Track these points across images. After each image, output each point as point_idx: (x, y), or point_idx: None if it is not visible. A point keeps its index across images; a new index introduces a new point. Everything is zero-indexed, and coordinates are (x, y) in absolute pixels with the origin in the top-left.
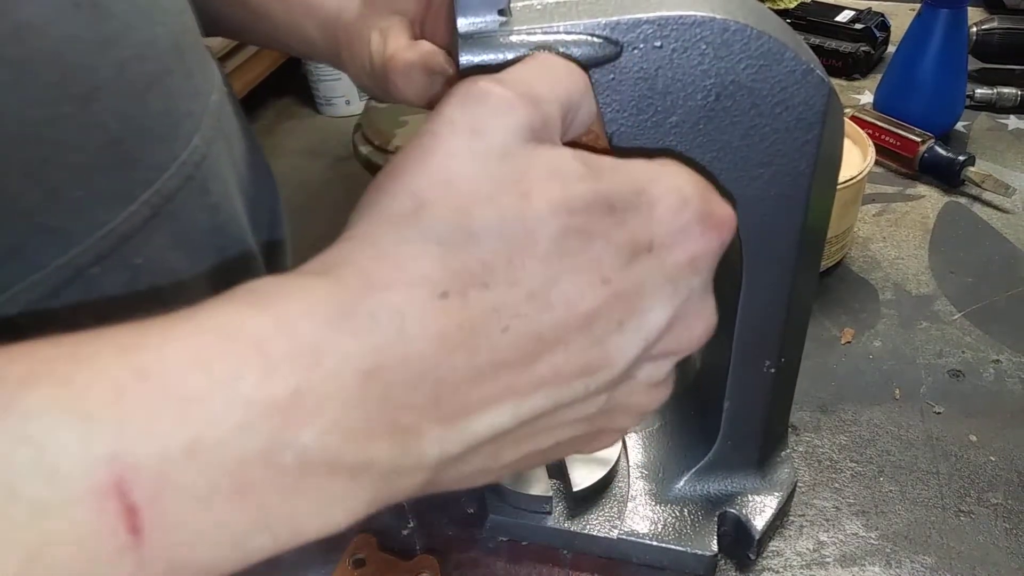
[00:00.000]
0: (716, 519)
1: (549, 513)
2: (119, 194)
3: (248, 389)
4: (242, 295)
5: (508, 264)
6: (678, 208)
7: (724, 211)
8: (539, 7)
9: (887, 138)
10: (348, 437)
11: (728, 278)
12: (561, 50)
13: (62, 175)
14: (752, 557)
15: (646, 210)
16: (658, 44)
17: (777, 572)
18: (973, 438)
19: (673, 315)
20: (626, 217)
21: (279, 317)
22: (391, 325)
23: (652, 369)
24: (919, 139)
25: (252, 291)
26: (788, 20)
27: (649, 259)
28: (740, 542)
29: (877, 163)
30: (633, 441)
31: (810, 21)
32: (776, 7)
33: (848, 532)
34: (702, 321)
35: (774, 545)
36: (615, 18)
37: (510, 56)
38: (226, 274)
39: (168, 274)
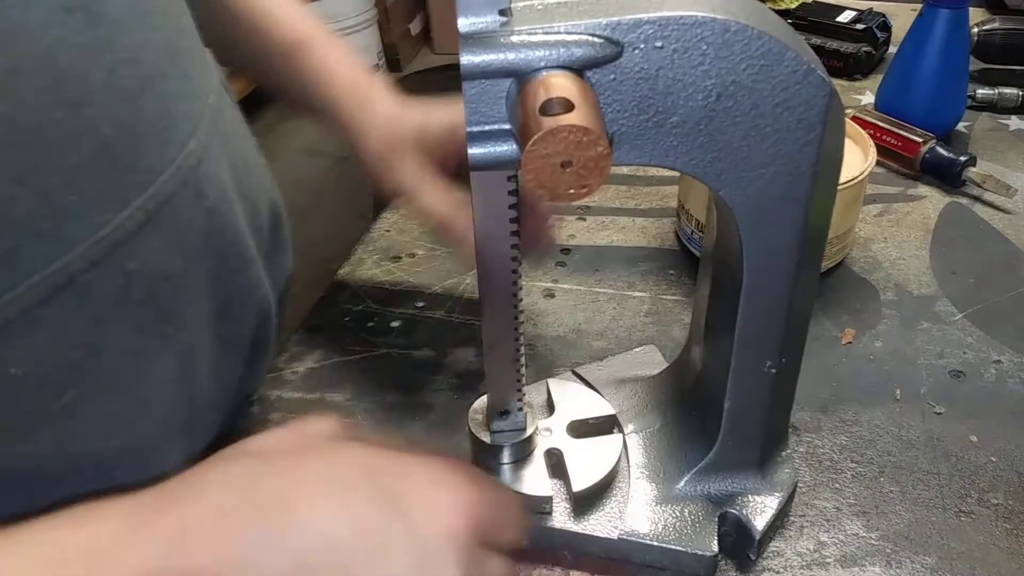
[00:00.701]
0: (717, 519)
1: (550, 513)
2: (113, 199)
3: None
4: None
5: None
6: None
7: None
8: (540, 7)
9: (888, 138)
10: None
11: (728, 278)
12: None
13: (54, 180)
14: (752, 557)
15: None
16: (659, 44)
17: (777, 572)
18: (974, 439)
19: None
20: None
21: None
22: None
23: None
24: (920, 139)
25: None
26: (789, 20)
27: None
28: (740, 542)
29: (878, 163)
30: (634, 441)
31: (811, 21)
32: (777, 7)
33: (848, 532)
34: None
35: (774, 545)
36: (616, 18)
37: (510, 56)
38: (223, 278)
39: (163, 279)
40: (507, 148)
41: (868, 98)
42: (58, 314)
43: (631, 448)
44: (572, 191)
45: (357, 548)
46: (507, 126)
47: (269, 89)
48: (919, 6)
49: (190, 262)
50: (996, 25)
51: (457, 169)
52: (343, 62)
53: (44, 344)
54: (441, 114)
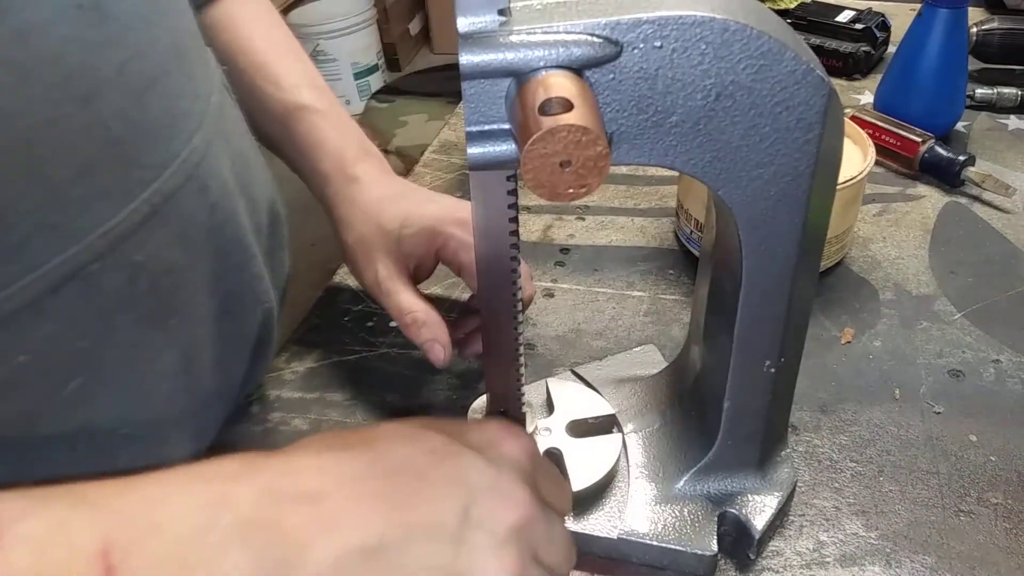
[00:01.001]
0: (716, 519)
1: None
2: (119, 192)
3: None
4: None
5: None
6: None
7: None
8: (539, 7)
9: (887, 138)
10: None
11: (728, 278)
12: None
13: (63, 173)
14: (752, 557)
15: None
16: (658, 44)
17: (777, 572)
18: (973, 438)
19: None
20: None
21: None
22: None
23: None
24: (919, 139)
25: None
26: (788, 20)
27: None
28: (740, 542)
29: (877, 163)
30: (633, 441)
31: (810, 21)
32: (776, 7)
33: (848, 532)
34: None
35: (774, 545)
36: (615, 18)
37: (509, 56)
38: (225, 272)
39: (168, 271)
40: (506, 148)
41: (867, 98)
42: (66, 304)
43: (630, 448)
44: (571, 191)
45: (434, 465)
46: (506, 126)
47: (265, 146)
48: (918, 6)
49: (193, 256)
50: (995, 25)
51: (431, 272)
52: (334, 138)
53: (52, 333)
54: (422, 213)
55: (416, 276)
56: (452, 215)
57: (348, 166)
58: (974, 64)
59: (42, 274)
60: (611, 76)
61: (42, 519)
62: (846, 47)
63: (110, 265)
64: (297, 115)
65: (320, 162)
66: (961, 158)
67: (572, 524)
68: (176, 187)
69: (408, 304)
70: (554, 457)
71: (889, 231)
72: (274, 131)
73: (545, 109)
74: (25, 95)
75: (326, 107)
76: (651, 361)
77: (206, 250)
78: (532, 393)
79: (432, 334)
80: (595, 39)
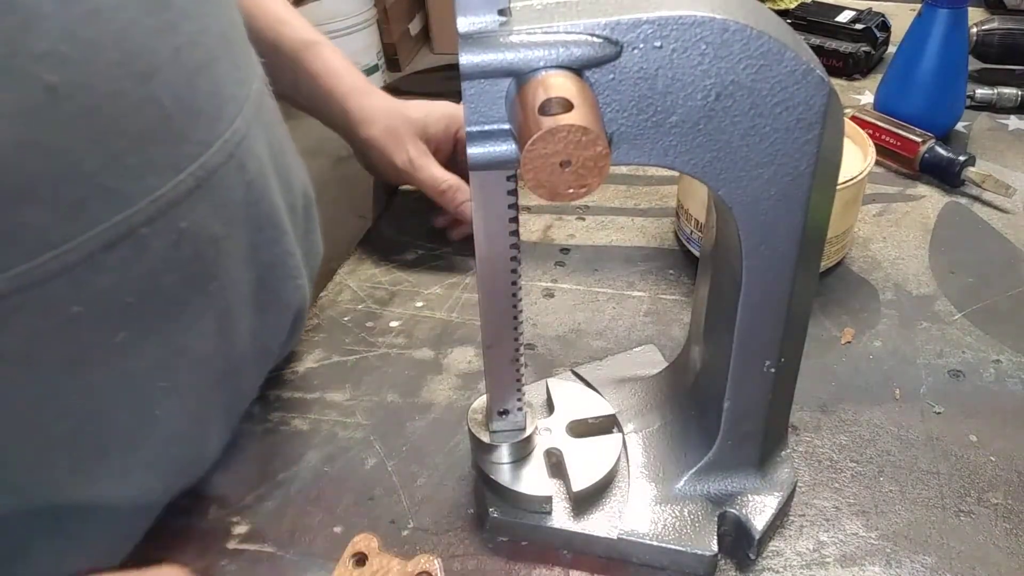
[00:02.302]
0: (716, 519)
1: (549, 513)
2: (169, 164)
3: None
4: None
5: None
6: None
7: None
8: (539, 7)
9: (887, 138)
10: None
11: (728, 278)
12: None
13: (121, 143)
14: (752, 557)
15: None
16: (658, 44)
17: (777, 572)
18: (973, 438)
19: None
20: None
21: None
22: None
23: None
24: (919, 139)
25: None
26: (788, 20)
27: None
28: (740, 542)
29: (877, 163)
30: (633, 441)
31: (810, 21)
32: (776, 7)
33: (848, 532)
34: None
35: (774, 545)
36: (615, 18)
37: (509, 56)
38: (260, 245)
39: (209, 240)
40: (506, 148)
41: (867, 98)
42: (117, 261)
43: (630, 448)
44: (571, 191)
45: None
46: (506, 126)
47: (275, 87)
48: (918, 6)
49: (231, 227)
50: (995, 25)
51: (451, 159)
52: (347, 65)
53: (104, 287)
54: (441, 109)
55: (436, 160)
56: None
57: (364, 84)
58: (974, 64)
59: (98, 232)
60: (611, 76)
61: None
62: (846, 47)
63: (158, 230)
64: (313, 48)
65: (339, 85)
66: (961, 158)
67: (572, 524)
68: (218, 164)
69: (442, 175)
70: (554, 457)
71: (889, 231)
72: (288, 67)
73: (545, 109)
74: (92, 69)
75: (331, 44)
76: (651, 361)
77: (243, 223)
78: (532, 393)
79: (466, 196)
80: (595, 39)
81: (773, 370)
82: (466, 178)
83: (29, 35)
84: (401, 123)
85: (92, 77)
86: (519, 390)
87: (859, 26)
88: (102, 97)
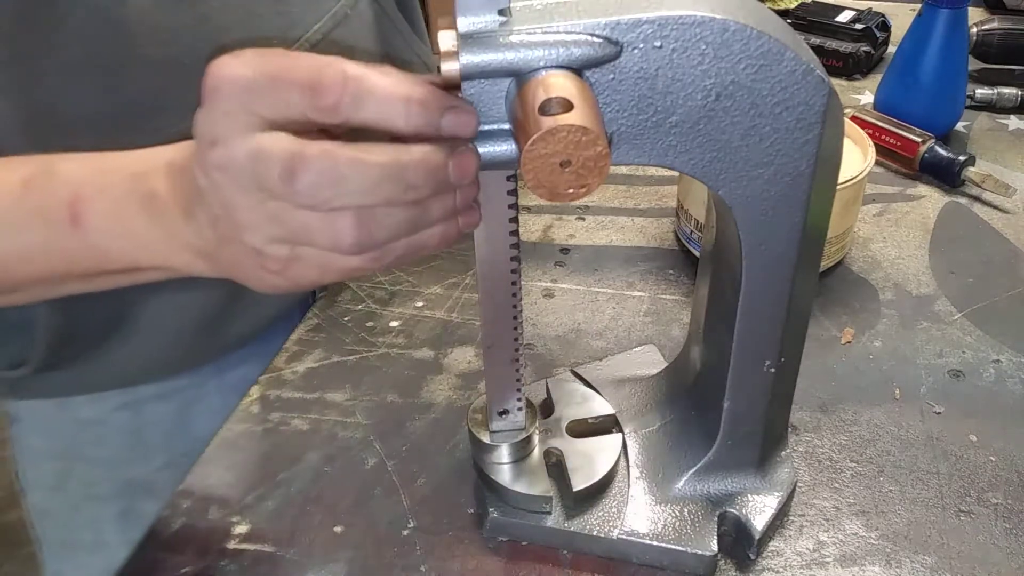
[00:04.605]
0: (716, 519)
1: (549, 513)
2: (319, 7)
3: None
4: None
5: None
6: None
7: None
8: (539, 7)
9: (887, 138)
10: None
11: (727, 278)
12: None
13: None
14: (752, 557)
15: None
16: (658, 44)
17: (777, 572)
18: (973, 438)
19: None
20: None
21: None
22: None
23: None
24: (919, 139)
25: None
26: (788, 20)
27: None
28: (740, 542)
29: (877, 163)
30: (633, 441)
31: (810, 21)
32: (776, 7)
33: (848, 532)
34: None
35: (774, 545)
36: (615, 18)
37: (510, 56)
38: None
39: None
40: (506, 148)
41: (867, 98)
42: None
43: (630, 448)
44: (571, 191)
45: None
46: (506, 126)
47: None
48: (918, 6)
49: (370, 58)
50: (995, 25)
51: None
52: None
53: None
54: None
55: None
56: None
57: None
58: (974, 64)
59: (285, 41)
60: (611, 76)
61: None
62: (846, 47)
63: (327, 46)
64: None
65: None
66: (961, 158)
67: (572, 524)
68: (343, 15)
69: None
70: (554, 457)
71: (889, 231)
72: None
73: (545, 109)
74: (201, 33)
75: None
76: (651, 361)
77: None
78: (532, 393)
79: None
80: (595, 39)
81: (773, 370)
82: None
83: None
84: None
85: (202, 41)
86: (519, 390)
87: (859, 26)
88: (207, 58)
